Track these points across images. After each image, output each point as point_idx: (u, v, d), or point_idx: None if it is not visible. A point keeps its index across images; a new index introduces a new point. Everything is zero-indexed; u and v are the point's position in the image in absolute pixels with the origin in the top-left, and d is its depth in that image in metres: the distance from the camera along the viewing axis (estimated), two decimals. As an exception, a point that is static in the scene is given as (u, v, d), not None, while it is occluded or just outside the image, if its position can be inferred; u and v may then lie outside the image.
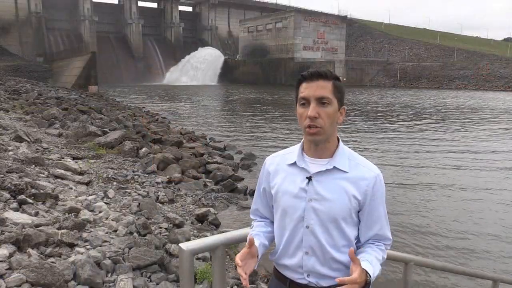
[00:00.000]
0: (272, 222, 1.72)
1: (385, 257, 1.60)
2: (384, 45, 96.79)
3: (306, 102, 1.49)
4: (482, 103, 36.92)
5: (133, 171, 7.92)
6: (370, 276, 1.43)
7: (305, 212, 1.53)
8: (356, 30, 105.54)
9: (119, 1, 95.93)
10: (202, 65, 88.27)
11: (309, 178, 1.53)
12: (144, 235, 4.40)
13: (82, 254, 3.49)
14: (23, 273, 2.87)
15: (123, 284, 3.18)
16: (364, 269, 1.43)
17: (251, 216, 1.82)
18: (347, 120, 21.38)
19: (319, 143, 1.52)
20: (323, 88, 1.47)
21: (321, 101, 1.47)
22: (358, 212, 1.56)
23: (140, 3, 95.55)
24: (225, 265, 1.72)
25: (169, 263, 3.85)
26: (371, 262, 1.49)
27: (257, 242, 1.59)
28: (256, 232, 1.69)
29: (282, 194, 1.59)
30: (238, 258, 1.49)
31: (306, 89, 1.48)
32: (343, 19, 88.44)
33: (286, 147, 1.74)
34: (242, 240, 1.84)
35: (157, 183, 7.61)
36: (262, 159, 10.87)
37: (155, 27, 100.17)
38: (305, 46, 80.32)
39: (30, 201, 4.46)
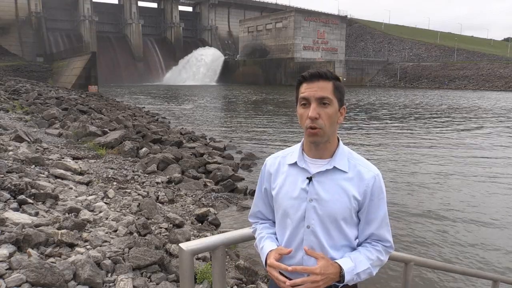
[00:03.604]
0: (274, 223, 1.72)
1: (383, 259, 1.58)
2: (384, 45, 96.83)
3: (306, 102, 1.49)
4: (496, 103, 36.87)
5: (133, 171, 7.92)
6: (343, 270, 1.45)
7: (306, 212, 1.53)
8: (356, 30, 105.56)
9: (119, 1, 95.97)
10: (202, 65, 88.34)
11: (310, 179, 1.54)
12: (144, 235, 4.40)
13: (82, 254, 3.48)
14: (23, 273, 2.87)
15: (123, 284, 3.17)
16: (336, 263, 1.47)
17: (250, 219, 1.80)
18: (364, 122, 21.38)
19: (320, 144, 1.52)
20: (324, 88, 1.47)
21: (322, 102, 1.47)
22: (358, 212, 1.56)
23: (140, 3, 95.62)
24: (225, 265, 1.72)
25: (169, 263, 3.85)
26: (354, 258, 1.50)
27: (274, 246, 1.61)
28: (267, 236, 1.68)
29: (283, 195, 1.59)
30: (282, 265, 1.52)
31: (307, 90, 1.49)
32: (343, 19, 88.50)
33: (286, 147, 1.74)
34: (242, 240, 1.84)
35: (157, 183, 7.61)
36: (262, 159, 10.83)
37: (155, 27, 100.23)
38: (305, 46, 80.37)
39: (30, 201, 4.46)
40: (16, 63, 58.52)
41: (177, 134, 14.59)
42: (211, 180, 8.96)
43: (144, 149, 10.27)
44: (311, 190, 1.52)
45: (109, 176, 7.00)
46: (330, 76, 1.49)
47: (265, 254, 1.60)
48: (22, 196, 4.47)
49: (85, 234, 3.98)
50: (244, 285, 4.02)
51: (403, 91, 58.33)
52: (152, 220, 5.20)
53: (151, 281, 3.50)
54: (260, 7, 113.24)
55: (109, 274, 3.37)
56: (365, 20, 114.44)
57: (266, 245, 1.62)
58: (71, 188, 5.69)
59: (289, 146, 1.71)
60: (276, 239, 1.66)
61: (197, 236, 5.03)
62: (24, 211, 4.18)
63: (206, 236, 3.78)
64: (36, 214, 4.21)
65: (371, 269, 1.53)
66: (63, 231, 3.74)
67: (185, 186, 8.04)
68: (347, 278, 1.46)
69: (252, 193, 8.29)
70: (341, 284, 1.50)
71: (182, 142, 12.63)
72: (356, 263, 1.49)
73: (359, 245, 1.60)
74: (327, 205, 1.51)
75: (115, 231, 4.33)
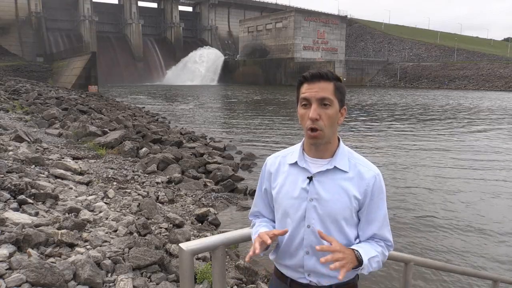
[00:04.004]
0: (273, 221, 1.72)
1: (386, 254, 1.60)
2: (384, 45, 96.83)
3: (307, 103, 1.49)
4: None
5: (133, 171, 7.92)
6: (358, 251, 1.45)
7: (306, 212, 1.54)
8: (356, 30, 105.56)
9: (119, 1, 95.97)
10: (202, 65, 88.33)
11: (310, 178, 1.54)
12: (144, 235, 4.40)
13: (82, 254, 3.48)
14: (23, 273, 2.87)
15: (123, 284, 3.17)
16: (349, 247, 1.46)
17: (250, 218, 1.82)
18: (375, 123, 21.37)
19: (320, 144, 1.53)
20: (325, 89, 1.47)
21: (323, 103, 1.47)
22: (358, 211, 1.56)
23: (140, 3, 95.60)
24: (225, 265, 1.72)
25: (169, 263, 3.85)
26: (362, 246, 1.51)
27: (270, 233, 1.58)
28: (265, 224, 1.69)
29: (283, 194, 1.59)
30: (266, 236, 1.46)
31: (308, 90, 1.49)
32: (343, 19, 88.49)
33: (286, 147, 1.74)
34: (242, 240, 1.84)
35: (157, 183, 7.61)
36: (262, 159, 10.77)
37: (155, 27, 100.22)
38: (305, 46, 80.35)
39: (30, 201, 4.46)
40: (16, 63, 58.53)
41: (177, 134, 14.59)
42: (211, 180, 8.96)
43: (144, 149, 10.27)
44: (311, 189, 1.53)
45: (109, 176, 7.00)
46: (331, 76, 1.49)
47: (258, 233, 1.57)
48: (22, 196, 4.47)
49: (85, 234, 3.98)
50: (244, 285, 4.02)
51: (404, 91, 58.35)
52: (152, 220, 5.20)
53: (151, 281, 3.50)
54: (260, 7, 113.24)
55: (109, 274, 3.37)
56: (365, 20, 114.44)
57: (262, 229, 1.62)
58: (71, 188, 5.69)
59: (289, 146, 1.71)
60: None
61: (197, 236, 5.03)
62: (24, 211, 4.18)
63: (206, 236, 3.78)
64: (36, 214, 4.21)
65: (379, 258, 1.54)
66: (63, 231, 3.74)
67: (185, 186, 8.04)
68: (364, 260, 1.45)
69: (252, 193, 8.29)
70: (359, 269, 1.48)
71: (182, 142, 12.63)
72: (366, 250, 1.50)
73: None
74: (328, 205, 1.51)
75: (115, 231, 4.33)
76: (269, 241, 1.45)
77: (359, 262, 1.44)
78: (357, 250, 1.46)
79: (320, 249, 1.40)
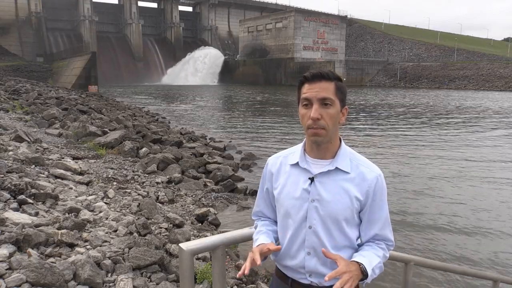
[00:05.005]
0: (275, 222, 1.72)
1: (387, 255, 1.60)
2: (384, 45, 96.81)
3: (308, 103, 1.49)
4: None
5: (133, 171, 7.92)
6: (362, 265, 1.44)
7: (308, 213, 1.53)
8: (356, 30, 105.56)
9: (119, 1, 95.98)
10: (202, 65, 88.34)
11: (312, 179, 1.54)
12: (144, 235, 4.40)
13: (82, 254, 3.48)
14: (23, 273, 2.87)
15: (123, 284, 3.17)
16: (353, 261, 1.46)
17: (253, 217, 1.82)
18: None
19: (322, 144, 1.52)
20: (326, 89, 1.47)
21: (324, 102, 1.47)
22: (359, 212, 1.56)
23: (140, 3, 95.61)
24: (225, 265, 1.72)
25: (169, 263, 3.85)
26: (365, 255, 1.51)
27: (268, 241, 1.60)
28: (265, 231, 1.69)
29: (285, 195, 1.59)
30: (257, 255, 1.48)
31: (309, 90, 1.48)
32: (343, 19, 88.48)
33: (287, 147, 1.74)
34: (242, 240, 1.84)
35: (157, 183, 7.61)
36: (262, 159, 10.77)
37: (155, 27, 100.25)
38: (305, 46, 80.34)
39: (30, 201, 4.46)
40: (16, 63, 58.53)
41: (177, 134, 14.59)
42: (211, 180, 8.95)
43: (144, 149, 10.27)
44: (313, 190, 1.53)
45: (109, 176, 7.00)
46: (332, 76, 1.49)
47: (257, 241, 1.63)
48: (22, 196, 4.47)
49: (85, 234, 3.98)
50: (244, 285, 4.01)
51: (405, 91, 58.34)
52: (152, 220, 5.20)
53: (151, 281, 3.50)
54: (260, 7, 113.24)
55: (109, 274, 3.37)
56: (365, 20, 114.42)
57: (260, 239, 1.63)
58: (71, 188, 5.69)
59: (290, 146, 1.71)
60: (274, 237, 1.67)
61: (197, 236, 5.03)
62: (24, 211, 4.18)
63: (206, 236, 3.78)
64: (36, 214, 4.20)
65: (381, 262, 1.54)
66: (63, 231, 3.74)
67: (185, 186, 8.04)
68: (369, 272, 1.45)
69: (252, 193, 8.28)
70: (364, 282, 1.49)
71: (182, 142, 12.63)
72: (369, 259, 1.50)
73: (361, 245, 1.60)
74: (329, 206, 1.51)
75: (115, 231, 4.33)
76: (258, 261, 1.46)
77: (364, 274, 1.44)
78: (362, 264, 1.45)
79: (328, 279, 1.37)
